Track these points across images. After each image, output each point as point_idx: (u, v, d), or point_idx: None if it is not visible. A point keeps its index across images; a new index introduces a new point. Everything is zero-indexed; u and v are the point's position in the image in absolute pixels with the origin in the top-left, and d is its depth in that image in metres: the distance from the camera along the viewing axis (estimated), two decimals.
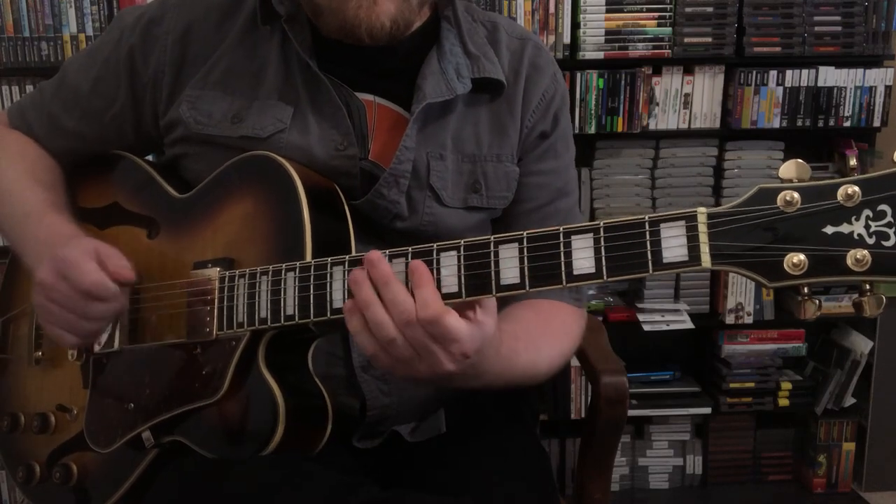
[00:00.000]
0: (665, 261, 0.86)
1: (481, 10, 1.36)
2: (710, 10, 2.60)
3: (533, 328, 1.19)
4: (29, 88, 2.48)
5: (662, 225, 0.86)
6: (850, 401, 2.87)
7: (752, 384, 2.85)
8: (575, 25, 2.59)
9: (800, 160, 0.82)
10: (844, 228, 0.79)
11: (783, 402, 2.86)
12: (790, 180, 0.82)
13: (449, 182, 1.24)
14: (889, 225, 0.78)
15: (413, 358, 0.96)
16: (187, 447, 1.12)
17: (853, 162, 0.79)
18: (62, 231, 1.20)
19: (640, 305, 2.76)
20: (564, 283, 0.90)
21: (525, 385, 1.23)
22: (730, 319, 2.77)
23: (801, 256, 0.80)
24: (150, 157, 1.37)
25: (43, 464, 1.29)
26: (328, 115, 1.20)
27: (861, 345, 2.81)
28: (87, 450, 1.21)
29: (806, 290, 0.83)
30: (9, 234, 1.28)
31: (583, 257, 0.89)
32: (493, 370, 1.06)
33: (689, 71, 2.65)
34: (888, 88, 2.67)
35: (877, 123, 2.70)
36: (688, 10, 2.59)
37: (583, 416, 2.76)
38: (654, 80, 2.63)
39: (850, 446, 2.90)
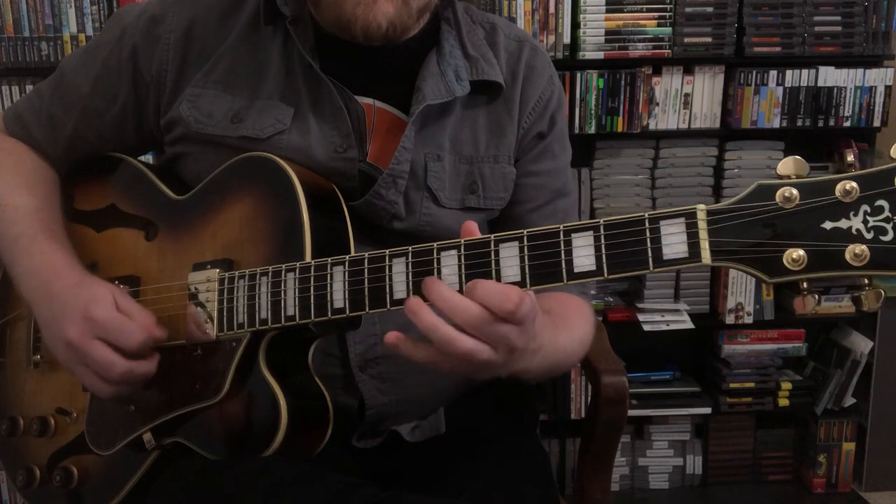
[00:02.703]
0: (665, 257, 0.86)
1: (480, 11, 1.36)
2: (710, 10, 2.60)
3: (560, 308, 1.19)
4: (29, 88, 2.46)
5: (662, 222, 0.86)
6: (850, 401, 2.87)
7: (752, 384, 2.84)
8: (575, 25, 2.59)
9: (798, 157, 0.82)
10: (843, 224, 0.80)
11: (783, 402, 2.86)
12: (788, 176, 0.82)
13: (446, 183, 1.24)
14: (887, 220, 0.78)
15: (492, 354, 0.94)
16: (188, 449, 1.12)
17: (850, 158, 0.79)
18: (56, 264, 1.18)
19: (640, 305, 2.76)
20: (565, 280, 0.91)
21: (566, 368, 1.21)
22: (730, 319, 2.77)
23: (801, 252, 0.80)
24: (148, 159, 1.37)
25: (43, 467, 1.28)
26: (329, 117, 1.20)
27: (861, 345, 2.81)
28: (88, 452, 1.21)
29: (805, 285, 0.83)
30: (1, 252, 1.26)
31: (583, 255, 0.90)
32: (544, 344, 1.02)
33: (689, 71, 2.65)
34: (888, 88, 2.67)
35: (877, 123, 2.70)
36: (688, 10, 2.59)
37: (583, 416, 2.76)
38: (654, 80, 2.63)
39: (850, 446, 2.90)
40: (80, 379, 1.14)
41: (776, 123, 2.67)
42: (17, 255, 1.21)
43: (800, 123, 2.68)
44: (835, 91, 2.66)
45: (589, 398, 2.66)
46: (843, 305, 2.74)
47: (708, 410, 2.85)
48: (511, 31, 1.34)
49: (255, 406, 1.08)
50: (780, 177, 0.82)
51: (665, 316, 2.70)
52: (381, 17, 1.13)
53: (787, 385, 2.85)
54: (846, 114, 2.68)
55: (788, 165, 0.82)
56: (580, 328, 1.23)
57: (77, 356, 1.11)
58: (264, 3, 1.22)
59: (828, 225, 0.80)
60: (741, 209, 0.83)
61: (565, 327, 1.16)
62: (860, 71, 2.65)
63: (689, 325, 2.70)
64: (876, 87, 2.67)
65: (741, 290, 2.74)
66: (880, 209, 0.78)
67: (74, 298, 1.12)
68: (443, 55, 1.24)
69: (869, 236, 0.79)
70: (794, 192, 0.81)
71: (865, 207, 0.79)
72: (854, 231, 0.79)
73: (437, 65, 1.24)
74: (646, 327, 2.67)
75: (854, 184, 0.79)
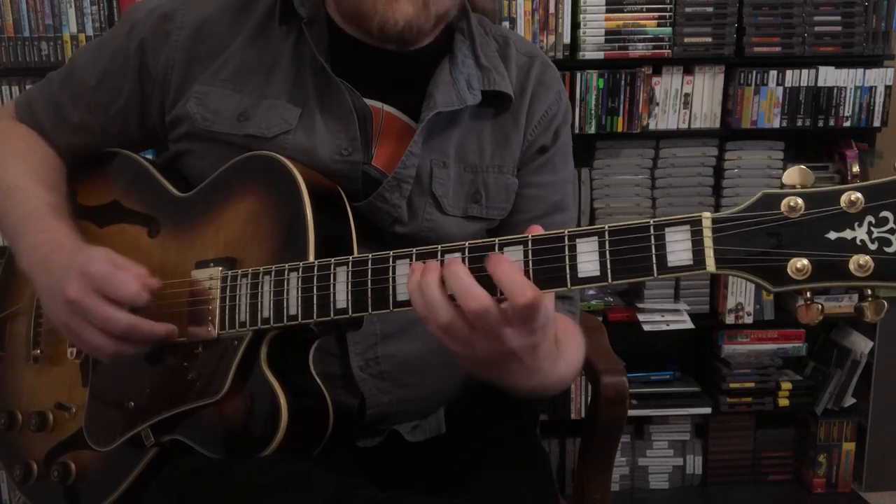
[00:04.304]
0: (670, 265, 0.86)
1: (493, 24, 1.37)
2: (710, 10, 2.60)
3: (562, 335, 1.17)
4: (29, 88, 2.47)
5: (667, 229, 0.86)
6: (850, 401, 2.87)
7: (752, 384, 2.85)
8: (575, 25, 2.59)
9: (803, 167, 0.82)
10: (847, 234, 0.80)
11: (783, 402, 2.87)
12: (794, 186, 0.82)
13: (450, 190, 1.24)
14: (891, 231, 0.78)
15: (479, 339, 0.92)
16: (187, 446, 1.12)
17: (856, 168, 0.80)
18: (59, 239, 1.19)
19: (640, 305, 2.76)
20: (569, 285, 0.90)
21: (553, 393, 1.20)
22: (730, 319, 2.77)
23: (805, 261, 0.80)
24: (150, 155, 1.37)
25: (41, 462, 1.28)
26: (336, 119, 1.20)
27: (861, 345, 2.82)
28: (86, 448, 1.21)
29: (808, 294, 0.83)
30: (7, 232, 1.27)
31: (588, 260, 0.89)
32: (546, 362, 1.01)
33: (689, 71, 2.65)
34: (888, 88, 2.67)
35: (877, 123, 2.70)
36: (688, 10, 2.59)
37: (583, 416, 2.76)
38: (654, 80, 2.63)
39: (850, 446, 2.91)
40: (82, 340, 1.13)
41: (776, 123, 2.68)
42: (22, 231, 1.22)
43: (800, 123, 2.68)
44: (835, 91, 2.66)
45: (589, 398, 2.66)
46: (843, 305, 2.75)
47: (708, 410, 2.85)
48: (523, 47, 1.35)
49: (256, 405, 1.08)
50: (786, 186, 0.82)
51: (665, 316, 2.70)
52: (399, 16, 1.13)
53: (787, 385, 2.86)
54: (846, 114, 2.68)
55: (794, 175, 0.82)
56: (573, 354, 1.21)
57: (79, 312, 1.10)
58: (281, 3, 1.23)
59: (832, 235, 0.80)
60: (746, 218, 0.83)
61: (563, 355, 1.13)
62: (860, 71, 2.66)
63: (689, 325, 2.70)
64: (876, 87, 2.67)
65: (741, 290, 2.75)
66: (885, 220, 0.78)
67: (72, 260, 1.13)
68: (455, 64, 1.25)
69: (873, 247, 0.78)
70: (800, 201, 0.80)
71: (870, 218, 0.79)
72: (858, 242, 0.79)
73: (449, 73, 1.24)
74: (646, 327, 2.67)
75: (859, 195, 0.79)
